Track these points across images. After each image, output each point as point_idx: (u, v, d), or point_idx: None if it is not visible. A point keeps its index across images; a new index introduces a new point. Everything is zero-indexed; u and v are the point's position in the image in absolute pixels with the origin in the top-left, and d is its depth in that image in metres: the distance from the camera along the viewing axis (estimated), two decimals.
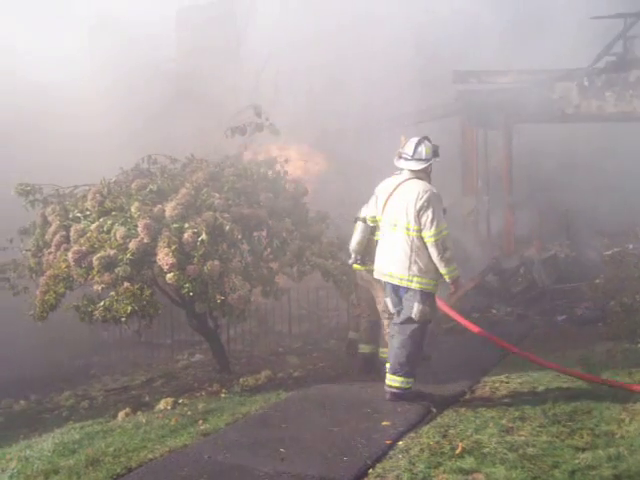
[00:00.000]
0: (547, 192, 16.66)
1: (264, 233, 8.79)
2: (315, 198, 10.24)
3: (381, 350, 8.55)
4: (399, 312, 7.08)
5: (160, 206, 8.01)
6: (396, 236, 6.96)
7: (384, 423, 6.43)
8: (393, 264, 6.96)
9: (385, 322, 8.44)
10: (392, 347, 7.08)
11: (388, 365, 7.07)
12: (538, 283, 13.56)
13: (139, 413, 7.91)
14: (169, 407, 7.92)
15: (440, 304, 8.59)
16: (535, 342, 10.22)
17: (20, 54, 15.44)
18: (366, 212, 7.65)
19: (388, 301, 7.29)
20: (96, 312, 7.75)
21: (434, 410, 6.83)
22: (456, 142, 16.85)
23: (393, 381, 6.96)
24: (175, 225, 7.80)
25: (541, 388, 7.51)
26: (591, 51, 15.02)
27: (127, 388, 10.06)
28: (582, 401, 6.88)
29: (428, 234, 6.80)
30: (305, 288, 11.19)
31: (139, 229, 7.71)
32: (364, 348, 8.81)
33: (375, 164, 12.93)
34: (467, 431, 6.13)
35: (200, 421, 6.93)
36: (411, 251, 6.86)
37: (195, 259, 7.65)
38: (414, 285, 6.88)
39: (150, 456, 5.90)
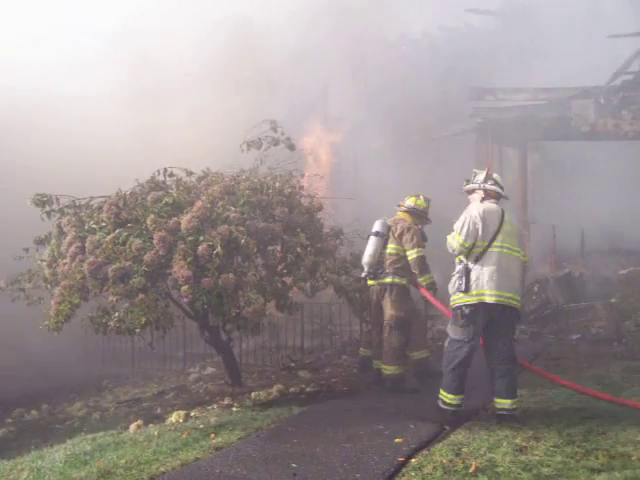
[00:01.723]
0: (563, 210, 16.61)
1: (279, 247, 8.79)
2: (330, 214, 10.28)
3: (383, 366, 8.57)
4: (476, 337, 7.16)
5: (175, 219, 8.02)
6: (514, 261, 7.16)
7: (397, 440, 6.40)
8: (512, 287, 7.09)
9: (388, 336, 8.50)
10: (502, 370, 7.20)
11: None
12: (552, 301, 13.50)
13: (151, 425, 7.90)
14: (181, 420, 7.90)
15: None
16: (549, 361, 10.16)
17: (34, 65, 15.53)
18: (466, 237, 7.42)
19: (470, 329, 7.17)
20: (110, 323, 7.75)
21: (447, 428, 6.79)
22: (471, 158, 16.87)
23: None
24: (190, 238, 7.81)
25: (555, 407, 7.45)
26: (608, 70, 15.03)
27: (139, 400, 10.05)
28: (597, 421, 6.81)
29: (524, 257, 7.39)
30: (318, 303, 11.18)
31: (154, 241, 7.73)
32: (377, 364, 8.83)
33: (388, 182, 12.98)
34: (480, 449, 6.08)
35: (212, 435, 6.92)
36: (521, 274, 7.27)
37: (210, 272, 7.66)
38: (519, 304, 7.19)
39: (162, 469, 5.89)
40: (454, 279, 7.12)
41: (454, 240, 7.10)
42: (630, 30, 14.66)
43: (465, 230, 7.08)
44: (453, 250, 7.14)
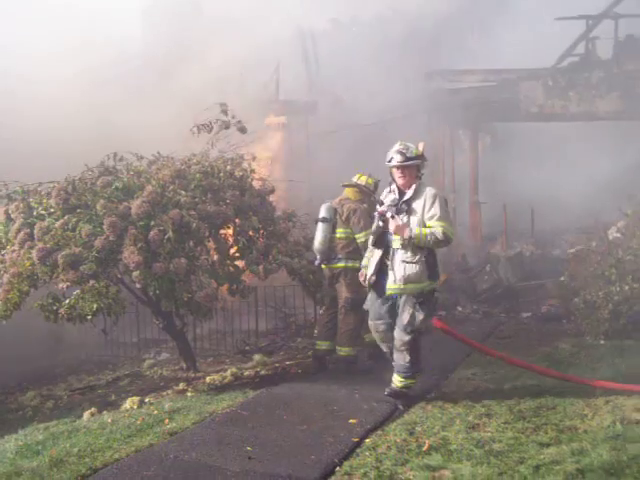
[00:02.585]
0: (513, 190, 16.83)
1: (230, 231, 8.75)
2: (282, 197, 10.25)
3: (338, 347, 8.61)
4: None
5: (126, 204, 7.93)
6: None
7: (351, 421, 6.45)
8: None
9: (344, 318, 8.53)
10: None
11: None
12: (504, 281, 13.70)
13: (105, 413, 7.83)
14: (135, 406, 7.85)
15: None
16: (500, 339, 10.32)
17: None
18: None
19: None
20: (61, 310, 7.65)
21: (401, 407, 6.87)
22: (422, 140, 16.94)
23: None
24: (141, 223, 7.73)
25: (507, 385, 7.58)
26: (555, 52, 15.23)
27: (93, 388, 9.94)
28: (547, 397, 6.98)
29: None
30: (272, 286, 11.16)
31: (105, 227, 7.63)
32: (320, 345, 8.83)
33: (339, 164, 12.99)
34: (434, 428, 6.17)
35: (166, 420, 6.89)
36: None
37: (161, 257, 7.60)
38: None
39: (116, 456, 5.85)
40: (419, 267, 6.80)
41: (448, 231, 6.79)
42: (577, 12, 14.85)
43: (449, 217, 7.07)
44: (448, 242, 6.88)
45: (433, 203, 6.83)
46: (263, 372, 8.99)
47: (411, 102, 16.83)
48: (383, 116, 16.76)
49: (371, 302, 7.21)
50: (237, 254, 8.72)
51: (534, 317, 12.00)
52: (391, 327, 7.00)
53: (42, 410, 8.96)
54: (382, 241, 7.02)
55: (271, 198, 9.30)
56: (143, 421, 6.94)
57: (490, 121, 17.28)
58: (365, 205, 8.71)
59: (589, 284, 10.16)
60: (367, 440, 5.96)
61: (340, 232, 8.63)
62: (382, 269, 7.01)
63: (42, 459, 5.99)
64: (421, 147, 7.01)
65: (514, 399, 6.99)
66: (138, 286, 7.98)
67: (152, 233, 7.60)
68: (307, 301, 11.11)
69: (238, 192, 8.68)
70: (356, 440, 5.93)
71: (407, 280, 6.79)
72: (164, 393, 8.45)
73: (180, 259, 7.62)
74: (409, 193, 6.91)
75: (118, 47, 15.17)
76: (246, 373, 8.96)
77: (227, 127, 9.29)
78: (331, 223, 8.65)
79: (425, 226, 6.78)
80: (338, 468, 5.37)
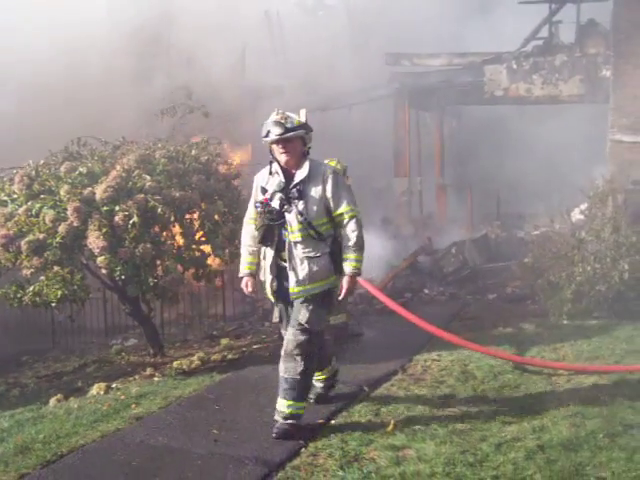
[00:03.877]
0: (479, 173, 16.97)
1: (196, 215, 8.74)
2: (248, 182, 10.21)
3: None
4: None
5: (90, 189, 7.89)
6: None
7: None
8: None
9: None
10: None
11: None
12: (469, 263, 13.82)
13: (71, 399, 7.80)
14: (102, 392, 7.83)
15: (368, 285, 8.75)
16: (466, 321, 10.44)
17: None
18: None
19: None
20: (25, 297, 7.62)
21: (366, 389, 6.93)
22: (389, 124, 17.04)
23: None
24: (106, 208, 7.70)
25: (472, 365, 7.68)
26: (519, 35, 15.36)
27: (59, 374, 9.90)
28: (510, 376, 7.10)
29: None
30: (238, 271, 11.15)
31: (69, 212, 7.60)
32: None
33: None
34: (398, 409, 6.26)
35: (133, 405, 6.89)
36: None
37: (126, 242, 7.59)
38: None
39: (82, 442, 5.86)
40: (324, 261, 5.71)
41: (359, 215, 5.81)
42: None
43: (354, 197, 5.96)
44: (361, 229, 5.79)
45: (336, 184, 5.74)
46: (230, 356, 9.01)
47: (376, 85, 16.89)
48: (348, 100, 16.80)
49: (280, 312, 6.12)
50: (203, 239, 8.72)
51: (499, 298, 12.14)
52: None
53: (8, 397, 8.90)
54: (272, 236, 5.80)
55: (236, 182, 9.30)
56: (110, 406, 6.93)
57: (455, 104, 17.38)
58: None
59: (552, 265, 10.30)
60: (333, 422, 6.02)
61: None
62: (279, 270, 5.86)
63: (7, 446, 5.99)
64: (303, 115, 5.82)
65: (478, 379, 7.11)
66: (104, 272, 7.96)
67: (117, 218, 7.59)
68: None
69: (204, 176, 8.67)
70: (321, 422, 5.99)
71: (313, 279, 5.69)
72: (131, 378, 8.44)
73: (145, 244, 7.62)
74: (300, 174, 5.73)
75: (84, 29, 14.99)
76: (213, 357, 8.97)
77: (191, 111, 9.28)
78: None
79: (329, 213, 5.73)
80: (303, 450, 5.43)
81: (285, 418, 5.68)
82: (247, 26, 16.26)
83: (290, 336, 5.80)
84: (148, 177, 8.16)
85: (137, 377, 8.50)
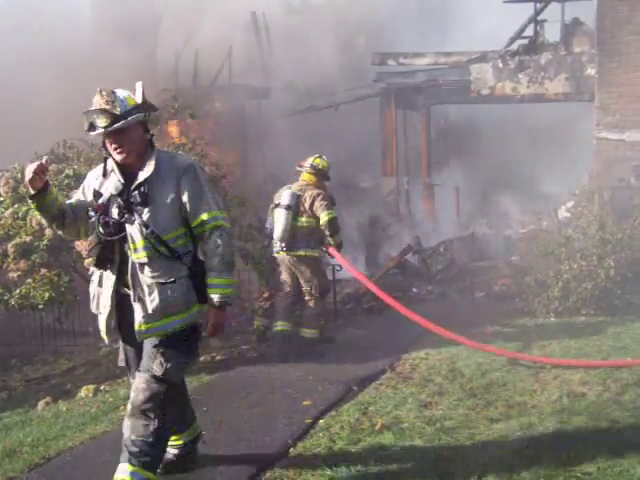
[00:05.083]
0: (466, 172, 17.01)
1: None
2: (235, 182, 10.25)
3: (303, 330, 8.62)
4: None
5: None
6: None
7: (305, 403, 6.52)
8: None
9: (311, 303, 8.53)
10: None
11: None
12: (457, 261, 13.86)
13: (60, 402, 7.80)
14: (90, 395, 7.83)
15: (364, 280, 8.81)
16: (454, 319, 10.45)
17: None
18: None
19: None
20: (12, 300, 7.61)
21: (355, 388, 6.95)
22: (376, 123, 17.09)
23: None
24: None
25: (459, 363, 7.72)
26: (505, 34, 15.43)
27: (48, 377, 9.86)
28: (498, 374, 7.13)
29: None
30: None
31: None
32: (283, 325, 8.70)
33: (295, 149, 13.01)
34: (387, 407, 6.28)
35: (121, 407, 6.85)
36: None
37: None
38: None
39: (70, 444, 5.84)
40: (182, 288, 4.42)
41: (227, 220, 4.55)
42: None
43: (220, 200, 4.71)
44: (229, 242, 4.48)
45: (195, 183, 4.38)
46: (219, 357, 9.00)
47: (363, 85, 16.92)
48: (335, 99, 16.83)
49: (125, 353, 4.73)
50: None
51: (487, 296, 12.18)
52: None
53: None
54: (111, 256, 4.42)
55: (222, 183, 9.30)
56: (98, 409, 6.94)
57: (441, 103, 17.42)
58: (327, 184, 8.68)
59: (540, 263, 10.35)
60: (321, 421, 6.04)
61: (303, 220, 8.38)
62: (120, 301, 4.47)
63: None
64: (139, 90, 4.37)
65: (466, 377, 7.14)
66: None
67: None
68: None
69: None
70: (309, 421, 6.00)
71: (166, 312, 4.35)
72: (120, 381, 8.43)
73: None
74: (144, 173, 4.32)
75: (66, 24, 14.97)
76: (201, 358, 8.95)
77: (177, 112, 9.28)
78: (295, 211, 8.35)
79: (186, 222, 4.39)
80: (292, 449, 5.43)
81: None
82: (234, 26, 16.26)
83: (140, 384, 4.40)
84: None
85: (125, 379, 8.46)
